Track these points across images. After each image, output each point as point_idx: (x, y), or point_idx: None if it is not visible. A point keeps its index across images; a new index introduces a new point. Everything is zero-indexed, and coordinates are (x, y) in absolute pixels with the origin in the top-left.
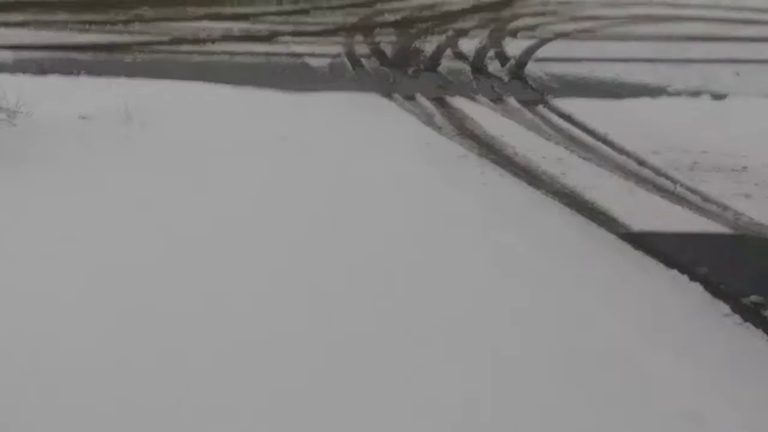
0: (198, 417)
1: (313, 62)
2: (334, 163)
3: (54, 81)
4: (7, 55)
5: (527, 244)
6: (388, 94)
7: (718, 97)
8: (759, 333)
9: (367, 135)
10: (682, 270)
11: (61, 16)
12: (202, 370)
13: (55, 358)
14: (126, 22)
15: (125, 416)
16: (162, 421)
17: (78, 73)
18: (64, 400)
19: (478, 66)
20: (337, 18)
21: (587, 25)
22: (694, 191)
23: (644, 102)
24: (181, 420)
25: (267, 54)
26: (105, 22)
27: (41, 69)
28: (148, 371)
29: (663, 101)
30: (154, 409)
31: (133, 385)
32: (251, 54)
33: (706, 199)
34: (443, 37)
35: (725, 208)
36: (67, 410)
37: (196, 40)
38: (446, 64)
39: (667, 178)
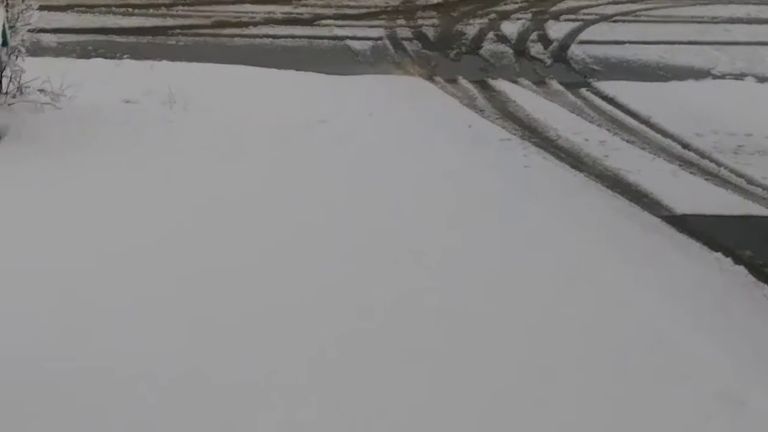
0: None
1: (355, 45)
2: (375, 146)
3: (97, 64)
4: (51, 39)
5: (570, 227)
6: (429, 77)
7: (762, 79)
8: None
9: (408, 118)
10: (726, 253)
11: (105, 0)
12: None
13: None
14: (169, 6)
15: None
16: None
17: (121, 57)
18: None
19: (520, 49)
20: (378, 1)
21: (630, 7)
22: (738, 174)
23: (688, 84)
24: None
25: (309, 37)
26: (148, 6)
27: (85, 52)
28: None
29: (707, 84)
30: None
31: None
32: (293, 37)
33: (750, 181)
34: (485, 20)
35: None
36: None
37: (239, 24)
38: (488, 47)
39: (712, 160)
